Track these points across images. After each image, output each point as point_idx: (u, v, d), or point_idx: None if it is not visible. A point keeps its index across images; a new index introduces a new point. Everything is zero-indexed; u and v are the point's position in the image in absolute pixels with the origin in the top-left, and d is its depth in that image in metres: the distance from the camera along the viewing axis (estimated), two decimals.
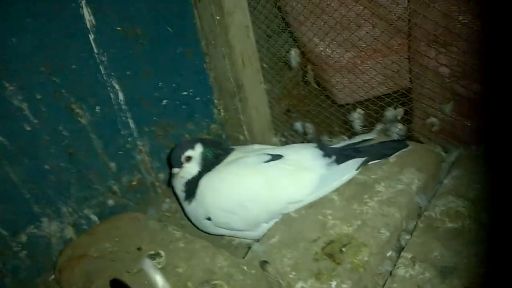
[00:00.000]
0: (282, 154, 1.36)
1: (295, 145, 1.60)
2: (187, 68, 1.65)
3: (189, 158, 1.34)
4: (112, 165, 1.54)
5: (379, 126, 1.57)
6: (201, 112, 1.78)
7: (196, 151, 1.35)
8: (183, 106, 1.70)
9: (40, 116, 1.30)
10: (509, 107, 1.22)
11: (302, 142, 1.77)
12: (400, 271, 1.07)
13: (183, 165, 1.34)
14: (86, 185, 1.48)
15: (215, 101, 1.80)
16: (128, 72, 1.47)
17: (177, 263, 1.20)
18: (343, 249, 1.14)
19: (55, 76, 1.30)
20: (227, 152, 1.41)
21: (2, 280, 1.34)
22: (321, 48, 1.65)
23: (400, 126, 1.54)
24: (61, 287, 1.30)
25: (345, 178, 1.33)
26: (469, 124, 1.42)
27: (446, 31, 1.30)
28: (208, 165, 1.36)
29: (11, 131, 1.26)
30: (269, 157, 1.34)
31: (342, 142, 1.54)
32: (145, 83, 1.54)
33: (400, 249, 1.18)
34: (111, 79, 1.44)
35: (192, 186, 1.35)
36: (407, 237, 1.21)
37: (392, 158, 1.42)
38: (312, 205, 1.30)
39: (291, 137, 1.85)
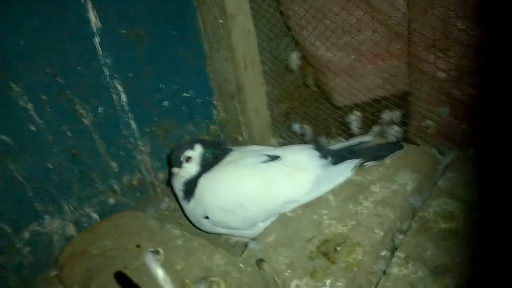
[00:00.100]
0: (279, 155, 1.38)
1: (292, 146, 1.62)
2: (187, 69, 1.67)
3: (188, 158, 1.36)
4: (114, 165, 1.56)
5: (375, 128, 1.59)
6: (201, 113, 1.79)
7: (196, 152, 1.37)
8: (184, 107, 1.72)
9: (45, 116, 1.32)
10: (504, 110, 1.25)
11: (300, 143, 1.79)
12: (394, 270, 1.09)
13: (182, 165, 1.36)
14: (87, 184, 1.50)
15: (215, 102, 1.82)
16: (130, 74, 1.49)
17: (175, 261, 1.21)
18: (338, 248, 1.16)
19: (60, 77, 1.32)
20: (226, 152, 1.43)
21: (5, 276, 1.35)
22: (322, 52, 1.67)
23: (396, 128, 1.56)
24: (62, 283, 1.32)
25: (341, 179, 1.35)
26: (464, 127, 1.44)
27: (444, 36, 1.32)
28: (207, 165, 1.38)
29: (16, 131, 1.27)
30: (267, 158, 1.36)
31: (339, 144, 1.55)
32: (146, 85, 1.56)
33: (394, 249, 1.19)
34: (114, 81, 1.46)
35: (191, 186, 1.37)
36: (401, 237, 1.22)
37: (387, 160, 1.44)
38: (308, 205, 1.32)
39: (289, 138, 1.86)
